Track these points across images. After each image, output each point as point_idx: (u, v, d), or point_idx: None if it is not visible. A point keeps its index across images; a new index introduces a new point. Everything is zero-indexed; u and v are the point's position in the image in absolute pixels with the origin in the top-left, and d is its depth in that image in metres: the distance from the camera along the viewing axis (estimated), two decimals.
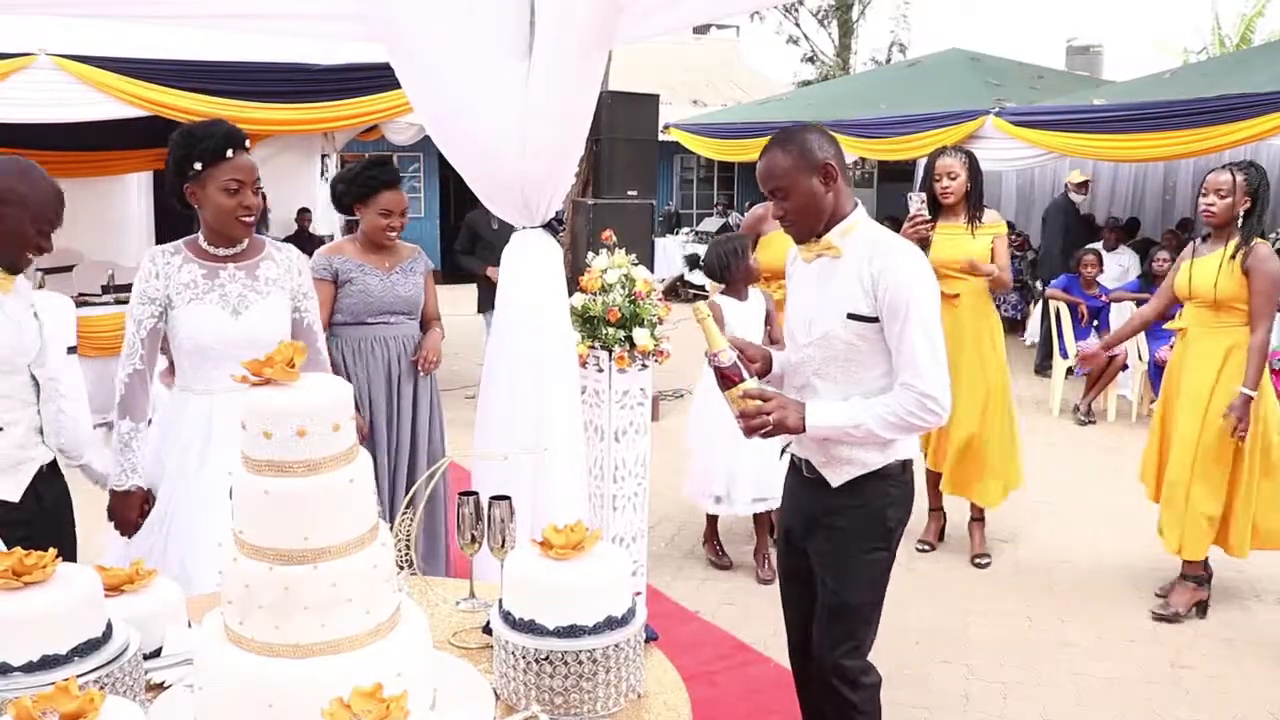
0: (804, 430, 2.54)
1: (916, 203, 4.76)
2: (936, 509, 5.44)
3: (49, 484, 2.81)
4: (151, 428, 3.06)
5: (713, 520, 5.27)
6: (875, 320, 2.53)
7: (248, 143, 2.91)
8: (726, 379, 2.55)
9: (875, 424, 2.51)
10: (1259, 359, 4.25)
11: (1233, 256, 4.25)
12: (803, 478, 2.76)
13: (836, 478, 2.66)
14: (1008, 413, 5.14)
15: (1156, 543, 4.70)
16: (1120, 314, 8.80)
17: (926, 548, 5.37)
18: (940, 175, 4.94)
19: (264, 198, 3.21)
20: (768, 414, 2.52)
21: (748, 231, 5.23)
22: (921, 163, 14.98)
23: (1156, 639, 4.38)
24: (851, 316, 2.55)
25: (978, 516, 5.31)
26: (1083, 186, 10.69)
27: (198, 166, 2.86)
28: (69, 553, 2.76)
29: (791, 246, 2.81)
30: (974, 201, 4.96)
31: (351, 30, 3.61)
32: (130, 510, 2.95)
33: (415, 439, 4.09)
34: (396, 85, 3.49)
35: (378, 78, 6.90)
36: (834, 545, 2.69)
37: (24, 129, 7.15)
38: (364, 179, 3.98)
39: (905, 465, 2.69)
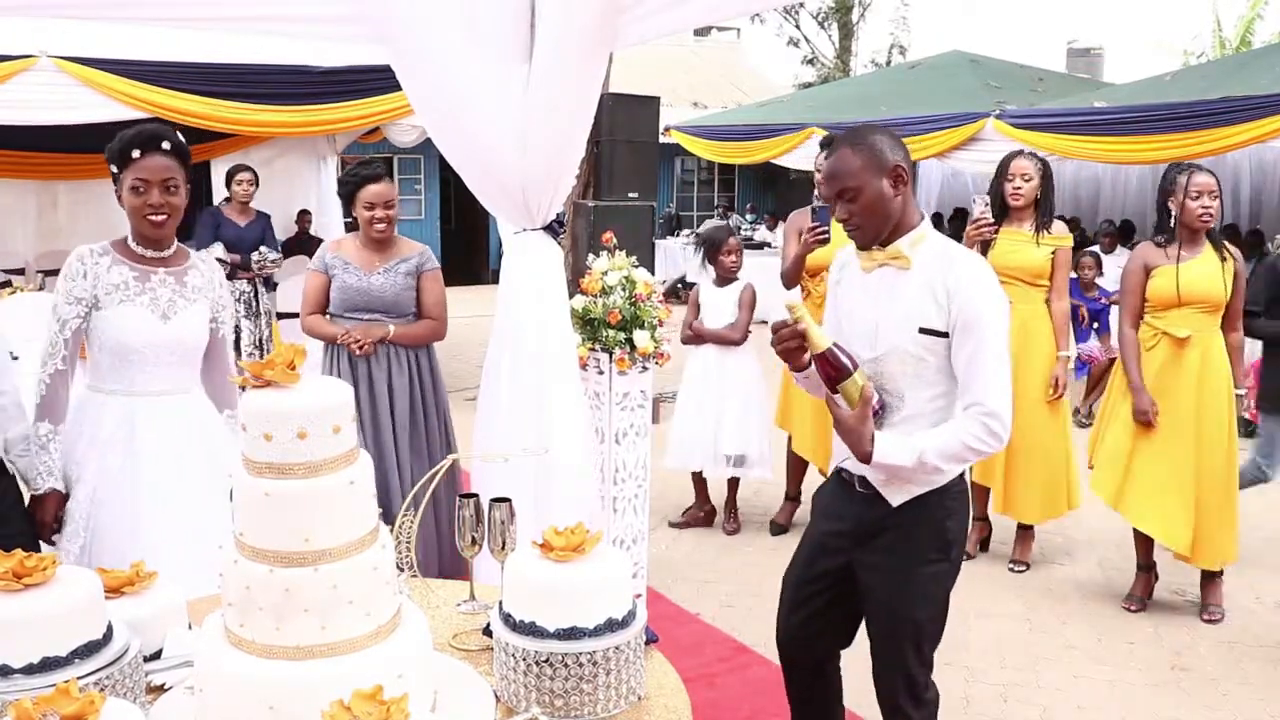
0: (869, 462, 2.45)
1: (980, 205, 4.73)
2: (980, 518, 5.33)
3: None
4: (63, 428, 3.04)
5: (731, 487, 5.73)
6: (946, 335, 2.46)
7: (165, 144, 2.94)
8: (835, 371, 2.40)
9: (937, 458, 2.42)
10: (1243, 356, 4.47)
11: (1222, 259, 4.33)
12: (854, 492, 2.66)
13: (897, 496, 2.57)
14: (1055, 429, 4.98)
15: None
16: None
17: (965, 557, 5.26)
18: (1014, 175, 4.84)
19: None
20: (856, 419, 2.42)
21: (792, 231, 5.23)
22: (924, 165, 15.04)
23: (1157, 641, 4.38)
24: (923, 331, 2.47)
25: (1024, 526, 5.20)
26: None
27: (114, 169, 2.96)
28: (27, 545, 2.75)
29: (837, 253, 2.77)
30: (1044, 209, 4.88)
31: (352, 32, 3.61)
32: (46, 513, 2.95)
33: (397, 430, 4.06)
34: (398, 87, 3.50)
35: (379, 80, 6.90)
36: (892, 561, 2.60)
37: (24, 131, 7.16)
38: (348, 178, 4.12)
39: (961, 476, 2.62)
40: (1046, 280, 4.91)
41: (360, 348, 3.95)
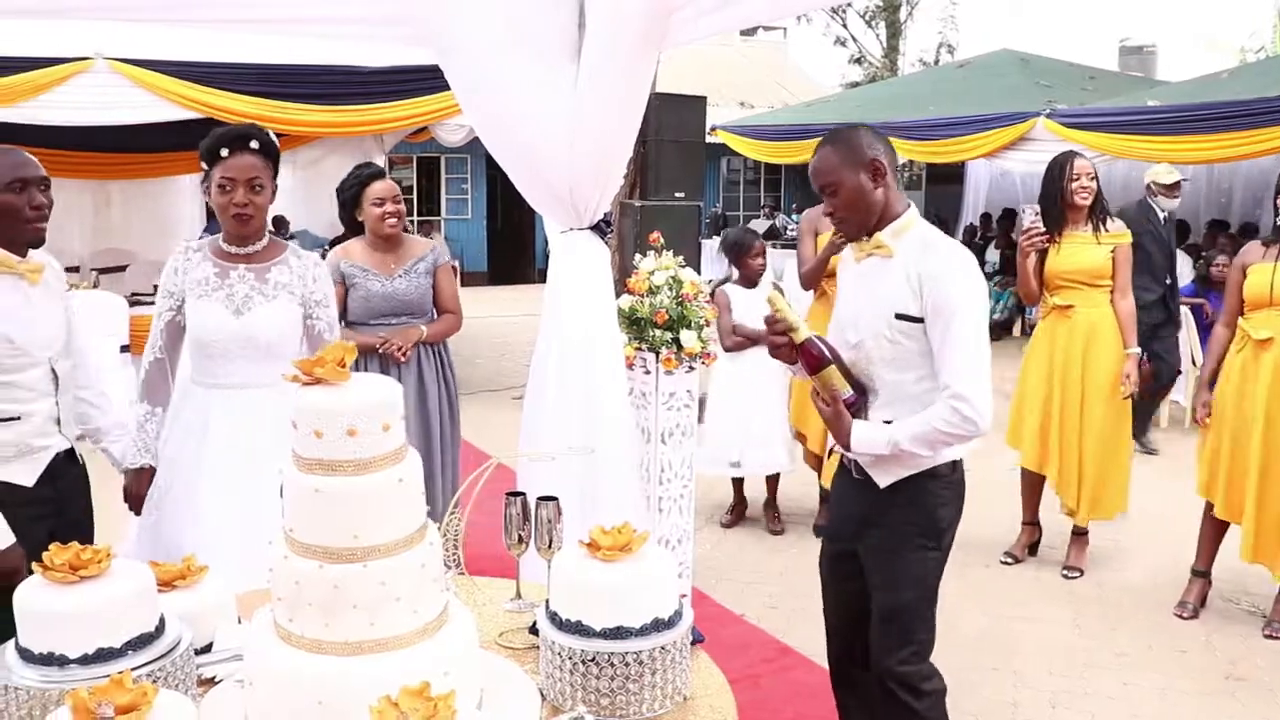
0: (849, 448, 2.61)
1: (1030, 215, 4.66)
2: (1031, 522, 5.27)
3: (65, 470, 2.91)
4: (160, 410, 3.18)
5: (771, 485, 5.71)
6: (920, 321, 2.53)
7: (253, 143, 2.98)
8: (814, 360, 2.59)
9: (910, 443, 2.52)
10: None
11: None
12: (852, 479, 2.75)
13: (884, 479, 2.66)
14: (1110, 433, 4.91)
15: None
16: None
17: (1010, 560, 5.20)
18: (1079, 175, 4.76)
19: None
20: (831, 414, 2.62)
21: (807, 230, 5.22)
22: (973, 165, 14.90)
23: (1210, 649, 4.29)
24: (899, 316, 2.55)
25: (1079, 532, 5.13)
26: (1174, 189, 7.43)
27: (204, 166, 3.02)
28: (85, 535, 2.88)
29: (845, 250, 2.81)
30: (1099, 207, 4.81)
31: (402, 34, 3.64)
32: (140, 487, 3.09)
33: (428, 434, 4.11)
34: (446, 87, 3.53)
35: (427, 79, 6.94)
36: (884, 545, 2.68)
37: (80, 131, 7.29)
38: (350, 181, 4.19)
39: (955, 465, 2.67)
40: (1108, 279, 4.81)
41: (405, 354, 3.97)
